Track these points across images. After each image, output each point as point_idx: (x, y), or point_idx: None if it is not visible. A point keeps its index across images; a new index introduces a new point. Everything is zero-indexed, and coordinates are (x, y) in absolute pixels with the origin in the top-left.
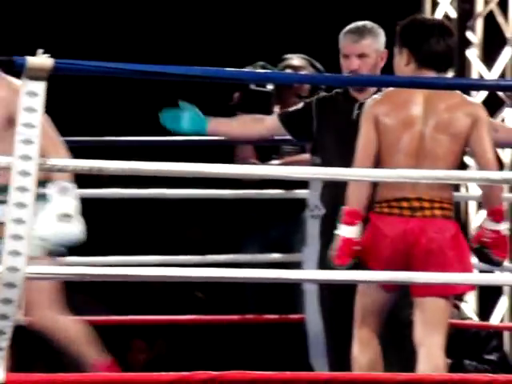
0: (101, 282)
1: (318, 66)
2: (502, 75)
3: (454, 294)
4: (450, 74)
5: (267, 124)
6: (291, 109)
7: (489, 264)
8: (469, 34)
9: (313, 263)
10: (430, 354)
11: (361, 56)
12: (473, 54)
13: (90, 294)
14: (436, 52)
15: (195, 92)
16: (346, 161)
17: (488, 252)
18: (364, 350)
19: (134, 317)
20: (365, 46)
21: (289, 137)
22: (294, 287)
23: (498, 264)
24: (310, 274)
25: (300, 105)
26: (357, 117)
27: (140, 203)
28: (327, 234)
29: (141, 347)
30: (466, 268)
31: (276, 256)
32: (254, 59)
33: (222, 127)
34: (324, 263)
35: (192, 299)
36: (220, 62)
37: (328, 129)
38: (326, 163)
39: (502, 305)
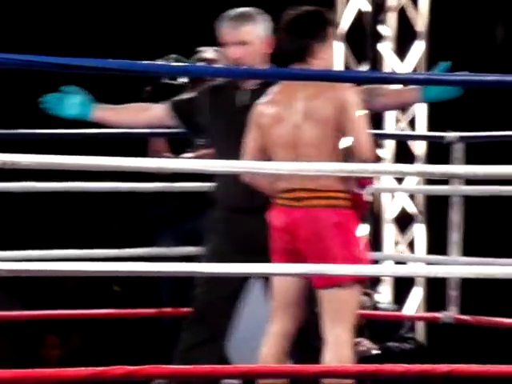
0: (15, 277)
1: None
2: (415, 69)
3: (351, 283)
4: (364, 68)
5: (156, 112)
6: (183, 97)
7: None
8: (381, 28)
9: None
10: (335, 344)
11: (242, 44)
12: (385, 48)
13: (2, 288)
14: (281, 49)
15: (109, 84)
16: (235, 149)
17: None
18: (268, 343)
19: (48, 311)
20: (246, 32)
21: (177, 126)
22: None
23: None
24: (224, 267)
25: (193, 93)
26: (241, 104)
27: (55, 197)
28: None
29: (54, 343)
30: (353, 256)
31: (191, 249)
32: (166, 52)
33: (108, 114)
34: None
35: (109, 293)
36: (130, 55)
37: (218, 117)
38: (218, 152)
39: (416, 295)
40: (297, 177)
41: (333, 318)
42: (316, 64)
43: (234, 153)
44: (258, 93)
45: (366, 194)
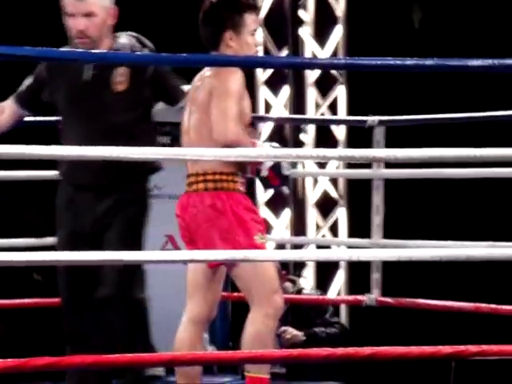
0: None
1: (148, 43)
2: (335, 53)
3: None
4: (285, 53)
5: (8, 111)
6: (23, 85)
7: (270, 188)
8: (301, 13)
9: (157, 243)
10: (248, 321)
11: (87, 15)
12: (305, 33)
13: None
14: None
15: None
16: (81, 122)
17: (266, 180)
18: (182, 330)
19: None
20: (91, 4)
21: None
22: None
23: (275, 188)
24: (152, 254)
25: (30, 77)
26: (91, 77)
27: None
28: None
29: None
30: (231, 238)
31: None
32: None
33: None
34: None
35: (30, 281)
36: (46, 42)
37: (60, 92)
38: (63, 127)
39: (338, 278)
40: (192, 162)
41: (246, 296)
42: (226, 52)
43: (78, 129)
44: (102, 67)
45: (264, 171)
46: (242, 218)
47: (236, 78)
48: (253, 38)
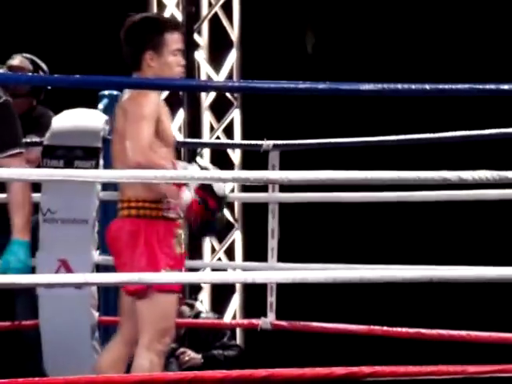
0: None
1: (42, 65)
2: (230, 76)
3: (159, 291)
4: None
5: None
6: None
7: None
8: (196, 37)
9: (49, 268)
10: (136, 355)
11: None
12: (200, 57)
13: None
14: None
15: None
16: None
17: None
18: (108, 349)
19: None
20: None
21: None
22: (25, 292)
23: (213, 212)
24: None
25: None
26: None
27: None
28: None
29: None
30: (137, 266)
31: None
32: None
33: None
34: None
35: None
36: None
37: None
38: None
39: (234, 302)
40: (121, 189)
41: (139, 327)
42: (147, 72)
43: None
44: None
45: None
46: (153, 249)
47: (149, 100)
48: (175, 57)
